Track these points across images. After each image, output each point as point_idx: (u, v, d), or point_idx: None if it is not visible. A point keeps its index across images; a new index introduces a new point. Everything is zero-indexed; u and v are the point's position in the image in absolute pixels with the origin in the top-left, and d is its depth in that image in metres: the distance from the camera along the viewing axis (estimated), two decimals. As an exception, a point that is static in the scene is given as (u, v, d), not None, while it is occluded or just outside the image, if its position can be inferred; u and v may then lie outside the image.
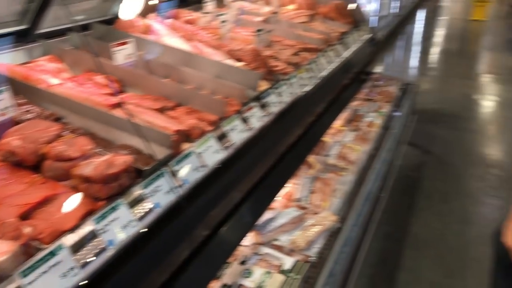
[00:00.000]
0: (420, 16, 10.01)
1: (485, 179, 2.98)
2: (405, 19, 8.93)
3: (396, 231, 2.51)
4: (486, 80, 5.51)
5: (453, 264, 2.26)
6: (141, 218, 0.93)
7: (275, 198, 1.61)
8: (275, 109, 1.56)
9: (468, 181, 3.06)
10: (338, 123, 2.54)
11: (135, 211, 0.92)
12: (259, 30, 1.95)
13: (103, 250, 0.84)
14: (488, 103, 4.72)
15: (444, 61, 6.44)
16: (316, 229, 1.62)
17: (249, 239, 1.62)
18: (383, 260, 2.26)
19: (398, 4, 8.04)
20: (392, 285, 2.11)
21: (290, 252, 1.58)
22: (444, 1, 11.81)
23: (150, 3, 1.92)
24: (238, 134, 1.32)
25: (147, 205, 0.95)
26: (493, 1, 8.85)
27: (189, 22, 1.95)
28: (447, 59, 6.50)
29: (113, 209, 0.89)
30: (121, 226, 0.89)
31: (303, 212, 1.75)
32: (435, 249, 2.38)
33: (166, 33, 1.75)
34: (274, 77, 1.76)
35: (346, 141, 2.38)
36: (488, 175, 2.98)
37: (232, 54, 1.77)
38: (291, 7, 2.60)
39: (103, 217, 0.86)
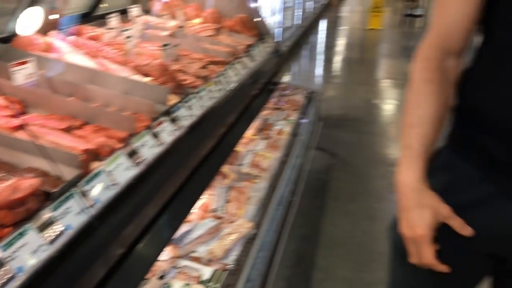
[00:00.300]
0: (322, 26, 10.53)
1: (386, 177, 3.22)
2: (308, 30, 9.33)
3: (309, 232, 2.63)
4: (385, 85, 5.93)
5: (362, 259, 2.41)
6: (52, 242, 0.91)
7: (191, 211, 1.63)
8: (185, 122, 1.58)
9: (371, 180, 3.28)
10: (249, 132, 2.61)
11: (45, 235, 0.90)
12: (165, 45, 1.97)
13: (11, 278, 0.81)
14: (387, 107, 5.09)
15: (346, 69, 6.83)
16: (233, 237, 1.67)
17: (167, 253, 1.62)
18: (298, 261, 2.35)
19: (301, 15, 8.40)
20: (308, 285, 2.21)
21: (208, 262, 1.61)
22: (343, 11, 12.52)
23: (50, 18, 1.86)
24: (149, 149, 1.33)
25: (57, 228, 0.93)
26: (387, 11, 9.53)
27: (93, 38, 1.92)
28: (349, 66, 6.89)
29: (21, 234, 0.87)
30: (30, 251, 0.87)
31: (219, 222, 1.79)
32: (345, 247, 2.53)
33: (69, 51, 1.71)
34: (183, 91, 1.78)
35: (258, 150, 2.46)
36: (388, 173, 3.21)
37: (139, 70, 1.77)
38: (197, 21, 2.64)
39: (10, 244, 0.84)
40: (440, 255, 0.92)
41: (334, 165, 3.50)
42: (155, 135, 1.39)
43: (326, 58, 7.54)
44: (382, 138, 4.13)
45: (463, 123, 0.99)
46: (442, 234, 0.92)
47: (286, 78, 6.02)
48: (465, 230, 0.90)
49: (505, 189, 0.91)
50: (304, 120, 2.98)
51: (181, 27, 2.40)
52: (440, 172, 0.99)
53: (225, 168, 2.16)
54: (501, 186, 0.91)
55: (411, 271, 1.00)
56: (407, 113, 0.95)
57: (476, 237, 0.93)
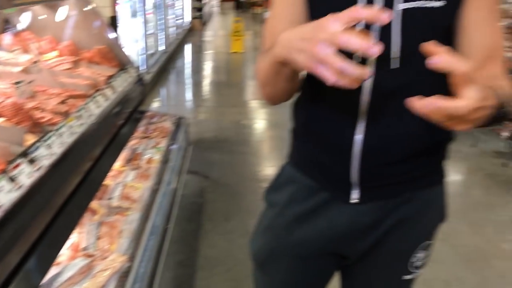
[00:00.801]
0: (187, 51, 10.71)
1: (258, 193, 3.38)
2: (173, 55, 9.44)
3: (187, 257, 2.66)
4: (253, 106, 6.22)
5: (242, 274, 2.51)
6: None
7: (60, 253, 1.58)
8: (46, 162, 1.54)
9: (245, 197, 3.42)
10: (118, 164, 2.58)
11: None
12: (18, 82, 1.89)
13: None
14: (256, 126, 5.34)
15: (214, 92, 7.02)
16: (106, 273, 1.64)
17: (35, 301, 1.54)
18: (178, 287, 2.37)
19: (164, 41, 8.45)
20: (190, 309, 2.23)
21: (82, 303, 1.56)
22: (206, 36, 12.85)
23: None
24: (6, 195, 1.27)
25: None
26: (247, 34, 10.01)
27: None
28: (217, 89, 7.09)
29: None
30: None
31: (91, 260, 1.75)
32: (225, 265, 2.61)
33: None
34: (41, 129, 1.72)
35: (128, 181, 2.44)
36: (260, 189, 3.38)
37: (-11, 111, 1.68)
38: (52, 54, 2.56)
39: None
40: (288, 265, 1.05)
41: (207, 187, 3.59)
42: (12, 179, 1.33)
43: (194, 82, 7.68)
44: (253, 156, 4.33)
45: (299, 141, 1.16)
46: (290, 243, 1.06)
47: (154, 105, 6.02)
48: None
49: (338, 195, 1.06)
50: (173, 146, 3.02)
51: (35, 62, 2.31)
52: (284, 186, 1.15)
53: (94, 204, 2.11)
54: (334, 192, 1.07)
55: (269, 280, 1.12)
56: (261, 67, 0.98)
57: (320, 238, 1.09)
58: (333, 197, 1.08)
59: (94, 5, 2.91)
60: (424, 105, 0.67)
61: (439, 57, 0.67)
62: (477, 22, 1.00)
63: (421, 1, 0.96)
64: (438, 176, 1.12)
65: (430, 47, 0.69)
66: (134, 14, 6.14)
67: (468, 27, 1.00)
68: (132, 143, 2.88)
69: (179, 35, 10.78)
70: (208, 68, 8.92)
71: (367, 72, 0.68)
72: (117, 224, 2.00)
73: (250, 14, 18.47)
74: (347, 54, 0.71)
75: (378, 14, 0.66)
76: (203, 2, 13.75)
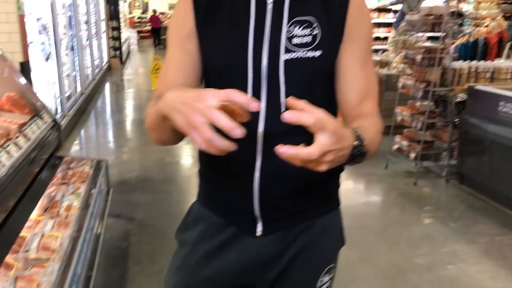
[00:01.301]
0: (108, 90, 10.53)
1: (185, 231, 3.38)
2: (92, 96, 9.24)
3: (113, 303, 2.60)
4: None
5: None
6: None
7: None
8: (-48, 219, 1.48)
9: (171, 237, 3.38)
10: (35, 213, 2.49)
11: None
12: None
13: None
14: (181, 163, 5.35)
15: (136, 131, 6.93)
16: (25, 330, 1.58)
17: None
18: (106, 336, 2.31)
19: (82, 82, 8.27)
20: None
21: None
22: (126, 74, 12.73)
23: None
24: None
25: None
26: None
27: None
28: (139, 128, 7.01)
29: None
30: None
31: (7, 317, 1.67)
32: (153, 308, 2.57)
33: None
34: None
35: (46, 231, 2.36)
36: (186, 227, 3.38)
37: None
38: (-43, 105, 2.46)
39: None
40: None
41: (132, 230, 3.53)
42: None
43: (115, 122, 7.55)
44: (179, 194, 4.32)
45: (205, 180, 1.25)
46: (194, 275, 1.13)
47: (74, 149, 5.84)
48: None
49: (244, 229, 1.14)
50: (94, 191, 2.96)
51: None
52: (193, 225, 1.22)
53: (9, 258, 2.02)
54: (241, 227, 1.14)
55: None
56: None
57: (231, 272, 1.15)
58: (240, 231, 1.17)
59: (0, 52, 2.84)
60: (282, 152, 0.79)
61: (288, 113, 0.79)
62: (352, 68, 1.13)
63: (301, 52, 1.08)
64: (333, 204, 1.24)
65: (289, 102, 0.82)
66: (48, 57, 5.99)
67: (344, 73, 1.14)
68: (49, 190, 2.80)
69: (97, 75, 10.60)
70: (129, 106, 8.83)
71: (231, 146, 0.79)
72: (35, 277, 1.93)
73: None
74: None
75: (249, 102, 0.77)
76: (121, 40, 13.65)
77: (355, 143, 0.90)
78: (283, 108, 1.09)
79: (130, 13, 23.37)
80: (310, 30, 1.09)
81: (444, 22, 4.30)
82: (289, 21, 1.09)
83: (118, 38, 13.23)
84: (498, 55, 7.45)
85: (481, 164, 4.12)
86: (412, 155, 4.59)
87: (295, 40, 1.08)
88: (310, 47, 1.08)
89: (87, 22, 9.71)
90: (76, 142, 6.26)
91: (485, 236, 3.51)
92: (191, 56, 1.12)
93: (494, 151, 3.93)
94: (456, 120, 4.42)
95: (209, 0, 1.14)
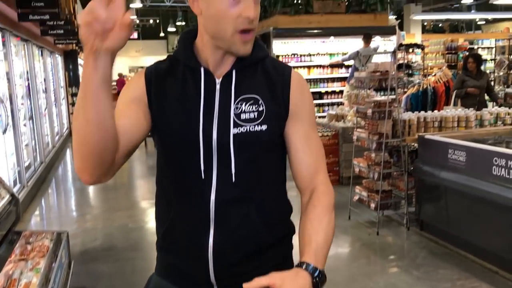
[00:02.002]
0: (69, 157, 10.39)
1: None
2: (53, 164, 9.10)
3: None
4: (141, 207, 6.16)
5: None
6: None
7: None
8: None
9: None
10: (-9, 295, 2.41)
11: None
12: None
13: None
14: (146, 227, 5.27)
15: (100, 197, 6.84)
16: None
17: None
18: None
19: (42, 150, 8.17)
20: None
21: None
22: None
23: None
24: None
25: None
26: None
27: None
28: (102, 194, 6.91)
29: None
30: None
31: None
32: None
33: None
34: None
35: (3, 312, 2.29)
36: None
37: None
38: None
39: None
40: None
41: (96, 302, 3.43)
42: None
43: (77, 190, 7.41)
44: (143, 261, 4.24)
45: (162, 252, 1.32)
46: None
47: (33, 221, 5.69)
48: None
49: None
50: (54, 265, 2.90)
51: None
52: None
53: None
54: None
55: None
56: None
57: None
58: None
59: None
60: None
61: None
62: (300, 143, 1.25)
63: (249, 126, 1.19)
64: (288, 266, 1.29)
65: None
66: (6, 129, 5.94)
67: (294, 149, 1.26)
68: (7, 268, 2.73)
69: (58, 142, 10.50)
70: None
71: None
72: None
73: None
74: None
75: None
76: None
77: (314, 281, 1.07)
78: (233, 178, 1.19)
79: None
80: (256, 107, 1.20)
81: (390, 78, 4.56)
82: (236, 99, 1.20)
83: (78, 104, 13.21)
84: (447, 103, 7.89)
85: (438, 210, 4.27)
86: (372, 205, 4.71)
87: (243, 116, 1.19)
88: (257, 122, 1.19)
89: (45, 90, 9.71)
90: (36, 213, 6.10)
91: (447, 282, 3.59)
92: (135, 116, 1.19)
93: (449, 197, 4.09)
94: (410, 168, 4.61)
95: (161, 78, 1.23)
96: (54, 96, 11.08)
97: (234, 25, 1.14)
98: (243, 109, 1.20)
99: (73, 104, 13.11)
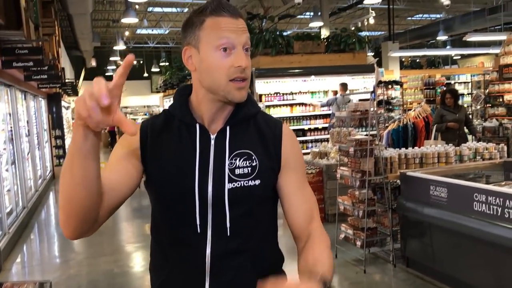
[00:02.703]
0: (52, 201, 10.24)
1: None
2: (35, 208, 8.96)
3: None
4: (127, 251, 6.06)
5: None
6: None
7: None
8: None
9: None
10: None
11: None
12: None
13: None
14: (131, 272, 5.18)
15: (84, 242, 6.70)
16: None
17: None
18: None
19: (23, 196, 8.05)
20: None
21: None
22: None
23: None
24: None
25: None
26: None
27: None
28: (86, 239, 6.79)
29: None
30: None
31: None
32: None
33: None
34: None
35: None
36: None
37: None
38: None
39: None
40: None
41: None
42: None
43: (60, 235, 7.28)
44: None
45: None
46: None
47: (15, 269, 5.56)
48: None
49: None
50: (37, 318, 2.83)
51: None
52: None
53: None
54: None
55: None
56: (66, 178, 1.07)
57: None
58: None
59: None
60: None
61: None
62: (293, 194, 1.32)
63: (243, 181, 1.24)
64: None
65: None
66: (-13, 175, 5.87)
67: (288, 199, 1.32)
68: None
69: (41, 186, 10.37)
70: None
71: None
72: None
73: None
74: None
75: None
76: (65, 148, 13.55)
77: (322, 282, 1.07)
78: (228, 231, 1.24)
79: (73, 118, 23.43)
80: (250, 162, 1.25)
81: (370, 117, 4.67)
82: (230, 154, 1.25)
83: (61, 146, 13.15)
84: (427, 137, 8.05)
85: (423, 246, 4.30)
86: (358, 243, 4.72)
87: (237, 171, 1.24)
88: (251, 177, 1.24)
89: (28, 134, 9.66)
90: (18, 260, 5.96)
91: (435, 319, 3.58)
92: (128, 171, 1.25)
93: (433, 233, 4.14)
94: (394, 205, 4.66)
95: (157, 133, 1.28)
96: (37, 139, 11.02)
97: (228, 75, 1.20)
98: (237, 164, 1.24)
99: (56, 146, 13.02)
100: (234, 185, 1.23)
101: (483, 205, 3.51)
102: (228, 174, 1.23)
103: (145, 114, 27.02)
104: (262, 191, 1.26)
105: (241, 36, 1.21)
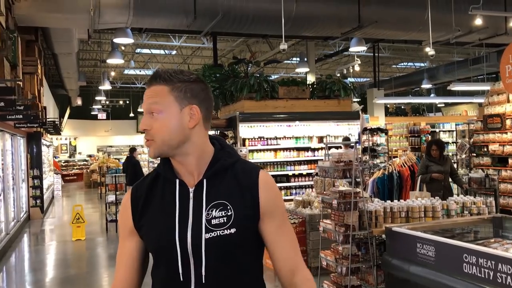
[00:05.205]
0: (25, 245, 9.79)
1: None
2: (6, 253, 8.51)
3: None
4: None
5: None
6: None
7: None
8: None
9: None
10: None
11: None
12: None
13: None
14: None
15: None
16: None
17: None
18: None
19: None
20: None
21: None
22: (47, 224, 12.03)
23: None
24: None
25: None
26: (86, 221, 9.56)
27: None
28: (61, 286, 6.41)
29: None
30: None
31: None
32: None
33: None
34: None
35: None
36: None
37: None
38: None
39: None
40: None
41: None
42: None
43: (31, 282, 6.84)
44: None
45: None
46: None
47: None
48: None
49: None
50: None
51: None
52: None
53: None
54: None
55: None
56: None
57: None
58: None
59: None
60: None
61: None
62: (272, 241, 1.38)
63: (219, 231, 1.32)
64: None
65: None
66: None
67: (268, 246, 1.39)
68: None
69: (13, 229, 9.93)
70: (50, 262, 8.13)
71: None
72: None
73: (98, 194, 18.08)
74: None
75: None
76: (43, 188, 13.13)
77: None
78: (203, 279, 1.32)
79: (55, 157, 23.01)
80: (225, 212, 1.34)
81: (354, 168, 4.50)
82: (207, 206, 1.34)
83: (39, 187, 12.74)
84: (413, 187, 7.91)
85: (410, 307, 4.04)
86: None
87: (214, 221, 1.33)
88: (226, 226, 1.33)
89: (3, 174, 9.32)
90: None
91: None
92: (134, 245, 1.45)
93: (420, 293, 3.89)
94: (379, 262, 4.42)
95: (145, 194, 1.42)
96: (13, 179, 10.64)
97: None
98: (214, 215, 1.33)
99: (33, 187, 12.61)
100: (211, 234, 1.32)
101: (474, 267, 3.29)
102: (205, 225, 1.32)
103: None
104: (238, 238, 1.33)
105: (144, 103, 1.39)
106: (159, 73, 1.36)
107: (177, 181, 1.38)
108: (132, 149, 12.10)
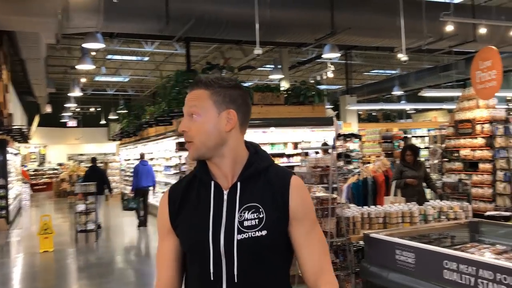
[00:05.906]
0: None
1: None
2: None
3: None
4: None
5: None
6: None
7: None
8: None
9: None
10: None
11: None
12: None
13: None
14: None
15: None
16: None
17: None
18: None
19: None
20: None
21: None
22: (13, 236, 11.58)
23: None
24: None
25: None
26: (54, 232, 9.21)
27: None
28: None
29: None
30: None
31: None
32: None
33: None
34: None
35: None
36: None
37: None
38: None
39: None
40: None
41: None
42: None
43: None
44: None
45: None
46: None
47: None
48: None
49: None
50: None
51: None
52: None
53: None
54: None
55: None
56: None
57: None
58: None
59: None
60: None
61: None
62: (300, 245, 1.44)
63: (250, 232, 1.39)
64: None
65: None
66: None
67: (296, 249, 1.45)
68: None
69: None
70: (15, 275, 7.77)
71: None
72: None
73: (68, 204, 17.57)
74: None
75: None
76: (8, 199, 12.64)
77: None
78: (236, 278, 1.38)
79: (23, 165, 22.31)
80: (257, 214, 1.40)
81: (331, 174, 4.43)
82: (240, 208, 1.41)
83: (4, 197, 12.25)
84: (387, 192, 7.91)
85: (389, 315, 3.97)
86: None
87: (246, 223, 1.40)
88: (258, 228, 1.39)
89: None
90: None
91: None
92: (172, 244, 1.51)
93: (399, 300, 3.82)
94: (357, 269, 4.34)
95: (182, 195, 1.48)
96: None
97: None
98: (246, 217, 1.40)
99: (-2, 197, 12.11)
100: (243, 236, 1.38)
101: (454, 273, 3.24)
102: (238, 226, 1.39)
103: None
104: (269, 240, 1.39)
105: (185, 106, 1.47)
106: (201, 79, 1.46)
107: (212, 183, 1.45)
108: (94, 159, 12.09)
